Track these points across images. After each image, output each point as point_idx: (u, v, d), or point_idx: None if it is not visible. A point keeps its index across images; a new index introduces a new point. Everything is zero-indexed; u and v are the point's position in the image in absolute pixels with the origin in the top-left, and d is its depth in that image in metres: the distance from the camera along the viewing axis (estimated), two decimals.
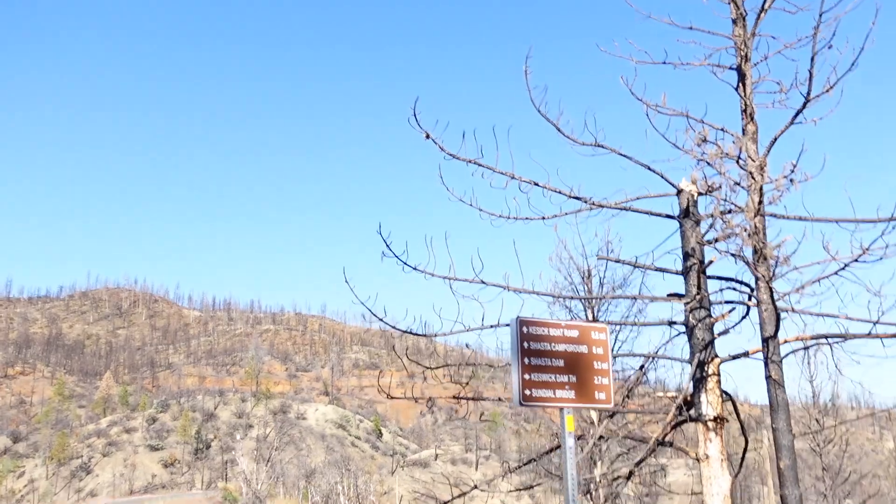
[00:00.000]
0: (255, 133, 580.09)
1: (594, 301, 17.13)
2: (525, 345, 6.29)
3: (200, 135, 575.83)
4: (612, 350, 9.87)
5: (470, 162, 8.01)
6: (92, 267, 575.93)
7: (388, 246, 8.06)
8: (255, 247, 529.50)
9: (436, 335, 8.75)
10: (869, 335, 6.31)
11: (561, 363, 6.46)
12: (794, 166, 5.80)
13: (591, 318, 18.17)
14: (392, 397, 9.35)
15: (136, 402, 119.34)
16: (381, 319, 8.40)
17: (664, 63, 7.30)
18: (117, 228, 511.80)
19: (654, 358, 8.44)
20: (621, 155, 7.53)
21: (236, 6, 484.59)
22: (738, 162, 6.51)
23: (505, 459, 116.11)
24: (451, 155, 7.98)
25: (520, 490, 11.92)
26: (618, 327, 17.96)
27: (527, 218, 8.41)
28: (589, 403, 6.68)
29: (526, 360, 6.27)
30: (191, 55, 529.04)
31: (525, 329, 6.34)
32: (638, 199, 8.03)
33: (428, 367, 9.90)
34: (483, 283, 8.41)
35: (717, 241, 7.32)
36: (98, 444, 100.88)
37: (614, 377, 6.91)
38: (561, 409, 6.50)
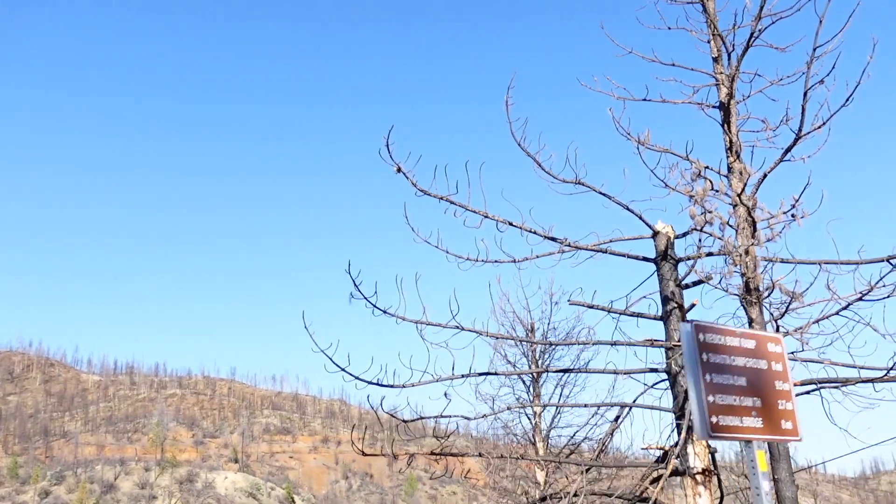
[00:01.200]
0: (159, 180, 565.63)
1: (549, 348, 16.88)
2: (705, 357, 4.90)
3: (99, 185, 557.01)
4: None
5: (442, 199, 7.60)
6: None
7: (357, 287, 7.46)
8: (160, 306, 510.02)
9: (403, 386, 8.12)
10: (873, 380, 6.10)
11: (743, 382, 5.05)
12: (797, 201, 5.61)
13: (534, 366, 17.79)
14: (366, 454, 8.57)
15: (27, 475, 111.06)
16: (343, 369, 7.73)
17: (645, 100, 7.16)
18: (9, 287, 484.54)
19: (631, 407, 8.05)
20: (601, 194, 7.27)
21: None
22: (731, 198, 6.31)
23: None
24: (422, 191, 7.55)
25: None
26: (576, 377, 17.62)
27: (496, 261, 8.04)
28: (777, 435, 5.17)
29: (707, 378, 4.85)
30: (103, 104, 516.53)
31: (702, 337, 4.94)
32: (613, 241, 7.77)
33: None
34: (459, 328, 7.91)
35: (700, 282, 7.09)
36: None
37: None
38: (748, 441, 5.06)
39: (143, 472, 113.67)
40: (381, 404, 7.61)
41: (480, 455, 10.19)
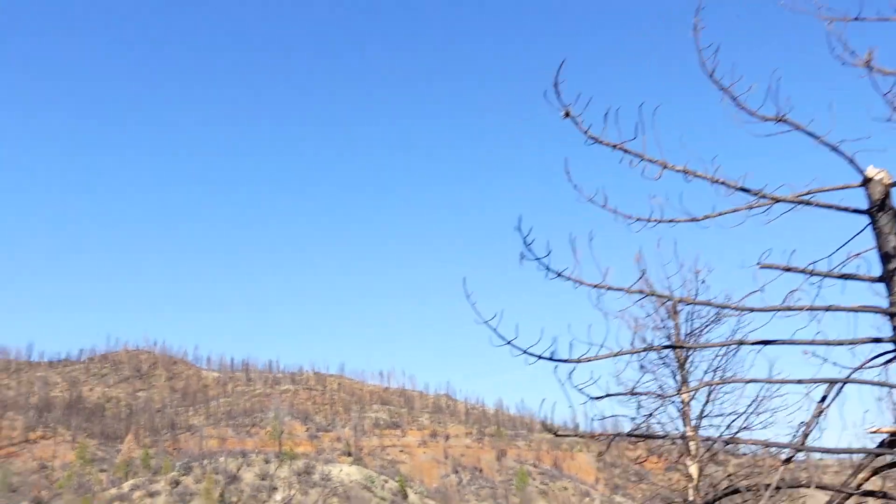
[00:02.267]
0: (272, 193, 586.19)
1: (697, 332, 15.68)
2: None
3: (216, 195, 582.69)
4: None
5: (615, 147, 6.94)
6: (111, 330, 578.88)
7: (527, 246, 6.87)
8: (273, 306, 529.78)
9: (579, 360, 7.44)
10: None
11: None
12: None
13: (679, 362, 16.52)
14: (559, 435, 7.81)
15: (158, 465, 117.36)
16: (509, 342, 7.06)
17: (857, 20, 6.33)
18: (135, 291, 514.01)
19: (844, 383, 7.13)
20: (807, 133, 6.51)
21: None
22: None
23: None
24: (592, 138, 6.93)
25: None
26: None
27: (673, 220, 7.28)
28: None
29: None
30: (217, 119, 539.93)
31: None
32: (812, 192, 6.94)
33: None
34: (643, 293, 7.26)
35: None
36: None
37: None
38: None
39: (264, 464, 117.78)
40: (570, 376, 6.86)
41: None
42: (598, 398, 8.00)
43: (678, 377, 16.66)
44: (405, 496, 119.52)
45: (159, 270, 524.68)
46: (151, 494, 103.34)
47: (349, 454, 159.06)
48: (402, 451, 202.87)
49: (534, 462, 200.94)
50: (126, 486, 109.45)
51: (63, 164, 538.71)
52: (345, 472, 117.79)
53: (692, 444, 16.56)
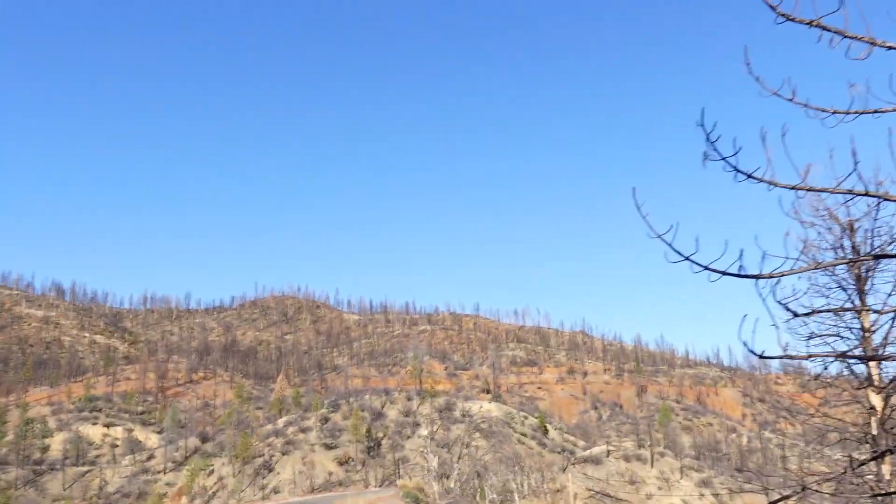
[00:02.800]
0: (405, 138, 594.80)
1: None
2: None
3: (349, 144, 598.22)
4: None
5: (811, 24, 5.60)
6: (259, 277, 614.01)
7: (712, 144, 5.74)
8: (409, 249, 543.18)
9: (770, 276, 6.25)
10: None
11: None
12: None
13: (860, 286, 14.79)
14: (764, 357, 6.67)
15: (308, 403, 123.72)
16: (687, 258, 5.96)
17: None
18: (280, 239, 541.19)
19: None
20: None
21: None
22: None
23: (681, 455, 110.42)
24: (784, 16, 5.63)
25: None
26: None
27: (878, 111, 5.92)
28: None
29: None
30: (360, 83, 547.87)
31: None
32: None
33: None
34: (852, 193, 6.02)
35: None
36: (277, 444, 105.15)
37: None
38: None
39: (406, 401, 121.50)
40: (769, 294, 5.77)
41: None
42: (802, 315, 6.84)
43: (855, 298, 14.86)
44: (546, 432, 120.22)
45: (301, 218, 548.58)
46: (304, 430, 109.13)
47: (488, 391, 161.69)
48: (539, 388, 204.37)
49: (676, 398, 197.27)
50: (280, 422, 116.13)
51: (205, 129, 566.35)
52: (485, 408, 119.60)
53: (874, 373, 14.93)
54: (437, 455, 43.30)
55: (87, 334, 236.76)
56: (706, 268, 6.14)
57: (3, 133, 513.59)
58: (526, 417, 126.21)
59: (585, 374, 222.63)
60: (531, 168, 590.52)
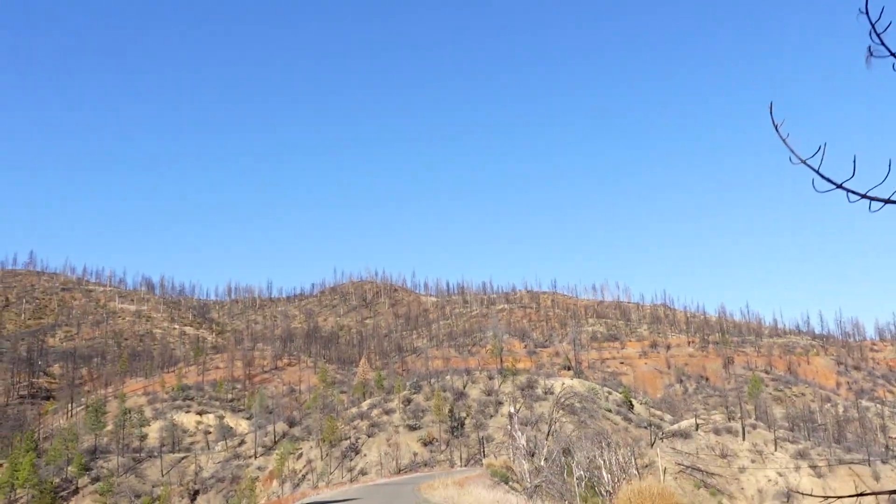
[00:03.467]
0: (474, 115, 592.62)
1: None
2: None
3: (415, 128, 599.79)
4: None
5: None
6: (337, 263, 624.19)
7: (878, 35, 4.62)
8: (485, 228, 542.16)
9: None
10: None
11: None
12: None
13: None
14: None
15: (390, 386, 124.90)
16: (839, 186, 4.85)
17: None
18: (357, 225, 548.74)
19: None
20: None
21: None
22: None
23: (774, 426, 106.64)
24: None
25: None
26: None
27: None
28: None
29: None
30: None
31: None
32: None
33: None
34: None
35: None
36: (362, 426, 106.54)
37: None
38: None
39: (487, 381, 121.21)
40: None
41: None
42: None
43: None
44: (631, 407, 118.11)
45: (378, 204, 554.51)
46: (387, 412, 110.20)
47: (569, 368, 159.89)
48: (622, 362, 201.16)
49: (765, 368, 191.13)
50: (364, 405, 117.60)
51: (280, 120, 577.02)
52: (567, 384, 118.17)
53: None
54: (524, 433, 42.53)
55: (176, 326, 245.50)
56: (864, 196, 4.99)
57: (84, 136, 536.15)
58: (610, 393, 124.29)
59: (669, 347, 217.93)
60: (602, 140, 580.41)
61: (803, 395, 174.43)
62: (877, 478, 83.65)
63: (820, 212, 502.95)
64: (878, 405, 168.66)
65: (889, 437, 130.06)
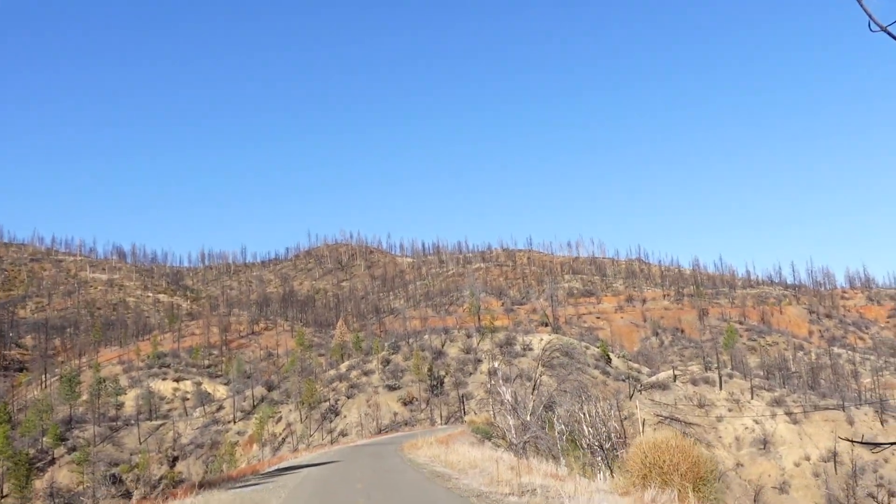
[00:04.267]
0: (448, 75, 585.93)
1: None
2: None
3: (386, 87, 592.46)
4: None
5: None
6: (311, 226, 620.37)
7: None
8: (458, 188, 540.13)
9: None
10: None
11: None
12: None
13: None
14: None
15: (368, 347, 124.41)
16: None
17: None
18: (330, 188, 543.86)
19: None
20: None
21: None
22: None
23: (750, 375, 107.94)
24: None
25: None
26: None
27: None
28: None
29: None
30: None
31: None
32: None
33: None
34: None
35: None
36: (341, 388, 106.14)
37: None
38: None
39: (466, 339, 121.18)
40: None
41: None
42: None
43: None
44: (608, 361, 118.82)
45: (351, 166, 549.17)
46: (366, 373, 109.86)
47: (546, 324, 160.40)
48: (598, 317, 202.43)
49: (739, 319, 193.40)
50: (343, 366, 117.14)
51: (249, 82, 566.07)
52: (545, 340, 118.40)
53: None
54: (508, 388, 42.01)
55: (150, 294, 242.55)
56: None
57: (48, 100, 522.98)
58: (587, 347, 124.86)
59: (644, 300, 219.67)
60: (573, 95, 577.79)
61: (777, 343, 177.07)
62: (851, 422, 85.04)
63: (789, 161, 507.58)
64: (849, 352, 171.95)
65: (861, 384, 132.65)
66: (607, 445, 36.47)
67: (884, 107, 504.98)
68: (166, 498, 20.12)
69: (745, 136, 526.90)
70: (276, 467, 35.54)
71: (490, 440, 50.54)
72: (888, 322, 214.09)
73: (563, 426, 65.39)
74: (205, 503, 19.15)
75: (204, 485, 23.84)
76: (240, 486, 23.78)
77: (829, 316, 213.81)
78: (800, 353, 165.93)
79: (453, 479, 20.13)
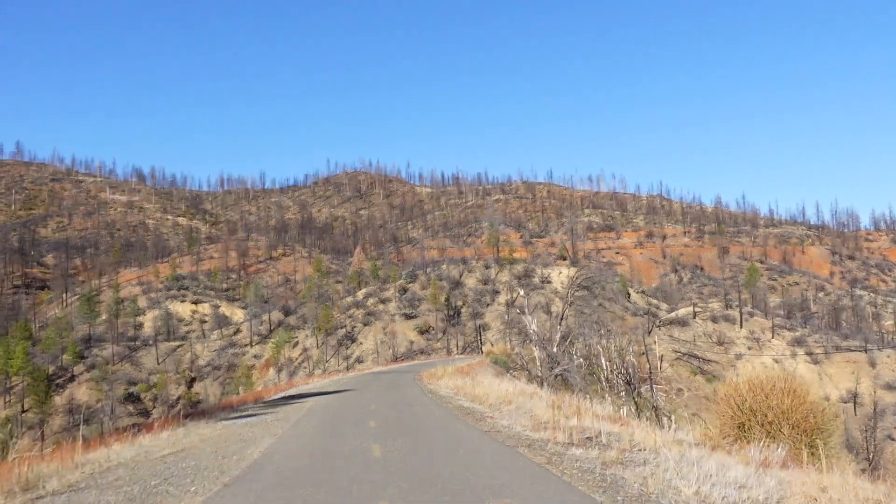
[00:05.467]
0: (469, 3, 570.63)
1: None
2: None
3: (407, 15, 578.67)
4: None
5: None
6: (331, 154, 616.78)
7: None
8: (479, 118, 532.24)
9: None
10: None
11: None
12: None
13: None
14: None
15: (385, 275, 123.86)
16: None
17: None
18: (349, 114, 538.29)
19: None
20: None
21: None
22: None
23: (771, 314, 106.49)
24: None
25: None
26: None
27: None
28: None
29: None
30: None
31: None
32: None
33: None
34: None
35: None
36: (358, 315, 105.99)
37: None
38: None
39: (484, 270, 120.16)
40: None
41: None
42: None
43: None
44: (627, 296, 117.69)
45: (371, 92, 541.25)
46: (383, 301, 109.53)
47: (565, 258, 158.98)
48: (617, 252, 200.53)
49: (760, 258, 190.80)
50: (360, 294, 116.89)
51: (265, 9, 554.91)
52: (564, 274, 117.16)
53: None
54: (534, 319, 40.81)
55: (169, 217, 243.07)
56: None
57: (66, 24, 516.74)
58: (607, 282, 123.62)
59: (664, 237, 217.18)
60: (595, 26, 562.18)
61: (798, 284, 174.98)
62: (873, 364, 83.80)
63: (816, 98, 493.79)
64: (870, 294, 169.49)
65: (882, 326, 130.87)
66: (631, 381, 35.31)
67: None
68: (151, 426, 18.55)
69: (772, 74, 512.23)
70: (282, 394, 33.67)
71: (509, 372, 49.74)
72: None
73: (581, 359, 64.63)
74: (183, 437, 16.77)
75: (193, 414, 21.93)
76: (235, 417, 21.66)
77: (851, 257, 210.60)
78: (821, 294, 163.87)
79: (487, 419, 17.40)
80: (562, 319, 39.44)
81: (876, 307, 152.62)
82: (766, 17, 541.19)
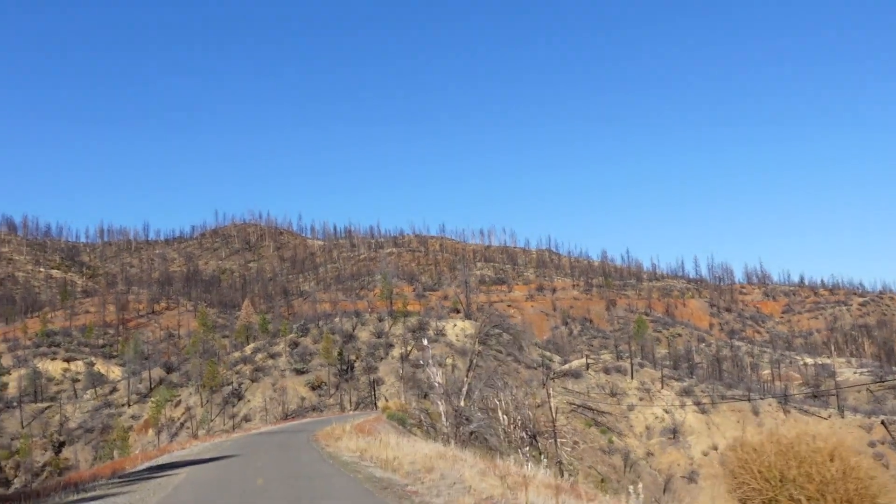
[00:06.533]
0: (369, 57, 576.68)
1: None
2: None
3: (310, 62, 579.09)
4: None
5: None
6: (219, 205, 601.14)
7: None
8: (372, 171, 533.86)
9: None
10: None
11: None
12: None
13: None
14: None
15: (275, 329, 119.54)
16: None
17: None
18: (238, 166, 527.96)
19: None
20: None
21: None
22: None
23: (659, 365, 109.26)
24: None
25: None
26: None
27: None
28: None
29: None
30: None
31: None
32: None
33: None
34: None
35: None
36: (246, 371, 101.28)
37: None
38: None
39: (378, 322, 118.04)
40: None
41: None
42: None
43: None
44: (520, 348, 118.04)
45: (260, 144, 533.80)
46: (272, 356, 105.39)
47: (458, 311, 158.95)
48: (509, 305, 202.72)
49: (645, 310, 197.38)
50: (248, 349, 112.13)
51: (161, 52, 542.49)
52: (458, 326, 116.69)
53: None
54: (439, 370, 39.34)
55: (42, 269, 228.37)
56: None
57: None
58: (500, 335, 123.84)
59: (554, 290, 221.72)
60: (487, 82, 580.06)
61: (681, 335, 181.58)
62: (756, 412, 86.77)
63: (692, 162, 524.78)
64: (747, 344, 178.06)
65: (760, 375, 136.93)
66: (534, 435, 34.38)
67: (775, 105, 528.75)
68: None
69: (648, 136, 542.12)
70: (149, 464, 27.95)
71: (404, 426, 47.93)
72: (783, 317, 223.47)
73: (479, 413, 63.42)
74: None
75: (25, 496, 17.28)
76: (73, 499, 16.38)
77: (728, 310, 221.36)
78: (702, 345, 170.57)
79: (412, 497, 13.29)
80: (469, 370, 38.25)
81: (753, 357, 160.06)
82: (642, 83, 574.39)
